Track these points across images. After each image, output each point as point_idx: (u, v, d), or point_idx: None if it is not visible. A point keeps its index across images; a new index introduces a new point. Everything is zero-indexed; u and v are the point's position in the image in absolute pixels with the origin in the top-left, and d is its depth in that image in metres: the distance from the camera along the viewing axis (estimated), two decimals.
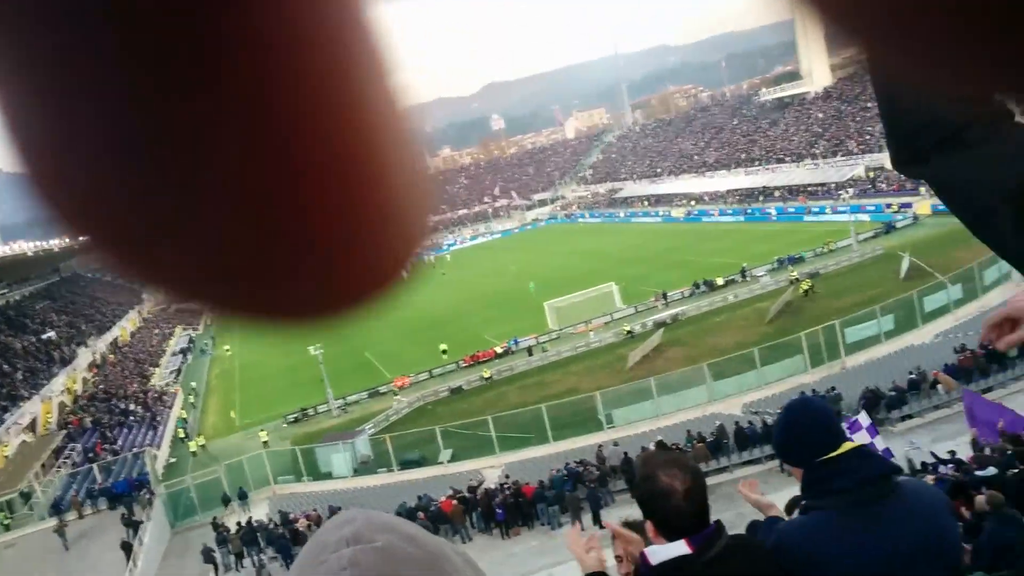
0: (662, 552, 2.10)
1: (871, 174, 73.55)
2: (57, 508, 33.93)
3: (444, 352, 50.55)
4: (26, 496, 36.32)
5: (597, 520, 24.57)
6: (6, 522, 33.84)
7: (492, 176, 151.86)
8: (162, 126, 0.28)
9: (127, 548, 27.22)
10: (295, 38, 0.28)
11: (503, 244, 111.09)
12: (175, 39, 0.26)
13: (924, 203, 61.58)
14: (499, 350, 49.07)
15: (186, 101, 0.27)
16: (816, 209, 72.19)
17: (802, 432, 2.38)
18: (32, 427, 46.21)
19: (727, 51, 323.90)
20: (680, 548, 2.09)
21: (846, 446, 2.30)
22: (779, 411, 2.60)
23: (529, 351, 47.72)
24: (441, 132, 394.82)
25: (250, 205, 0.30)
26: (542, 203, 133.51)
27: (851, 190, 72.04)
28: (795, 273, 49.92)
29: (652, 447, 26.86)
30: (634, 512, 3.65)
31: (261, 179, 0.29)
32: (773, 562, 2.19)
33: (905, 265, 44.05)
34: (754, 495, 2.93)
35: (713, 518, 2.21)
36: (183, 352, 76.86)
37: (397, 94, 0.34)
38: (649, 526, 2.18)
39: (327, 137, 0.30)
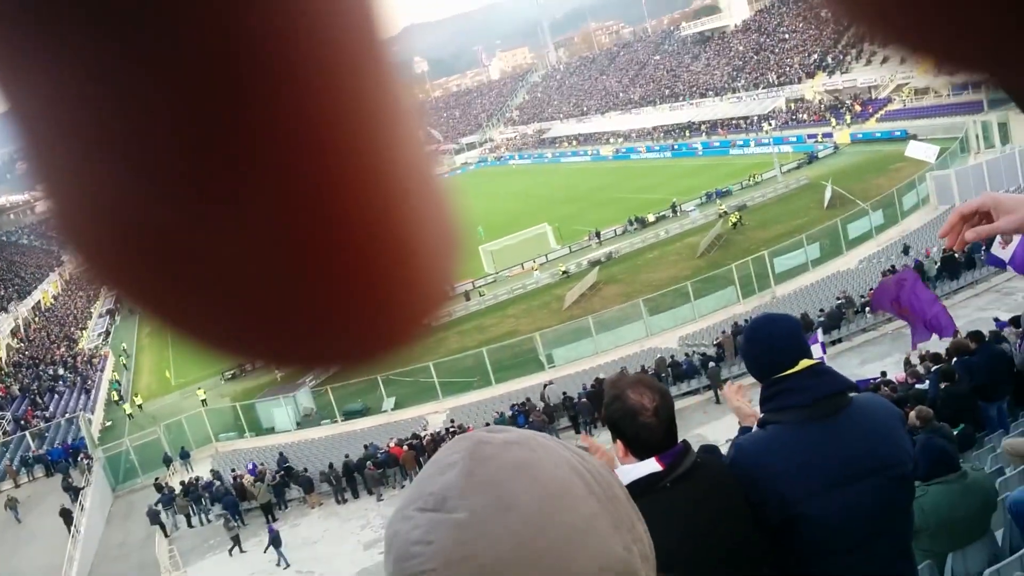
0: (633, 471, 2.12)
1: (791, 105, 74.95)
2: None
3: None
4: None
5: None
6: None
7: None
8: (191, 182, 0.27)
9: (67, 515, 26.71)
10: (334, 96, 0.28)
11: None
12: (210, 90, 0.26)
13: (844, 132, 63.37)
14: None
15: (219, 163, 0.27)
16: (740, 142, 73.42)
17: (760, 349, 2.44)
18: None
19: None
20: (650, 466, 2.11)
21: (802, 363, 2.35)
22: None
23: (466, 296, 47.79)
24: None
25: (283, 258, 0.30)
26: (470, 146, 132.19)
27: (773, 122, 73.40)
28: (723, 207, 50.90)
29: (590, 386, 27.47)
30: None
31: (293, 229, 0.29)
32: (734, 478, 2.27)
33: (828, 194, 45.34)
34: (736, 401, 2.99)
35: None
36: (110, 313, 74.51)
37: (424, 142, 0.34)
38: (619, 446, 2.20)
39: (357, 194, 0.30)
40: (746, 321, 29.56)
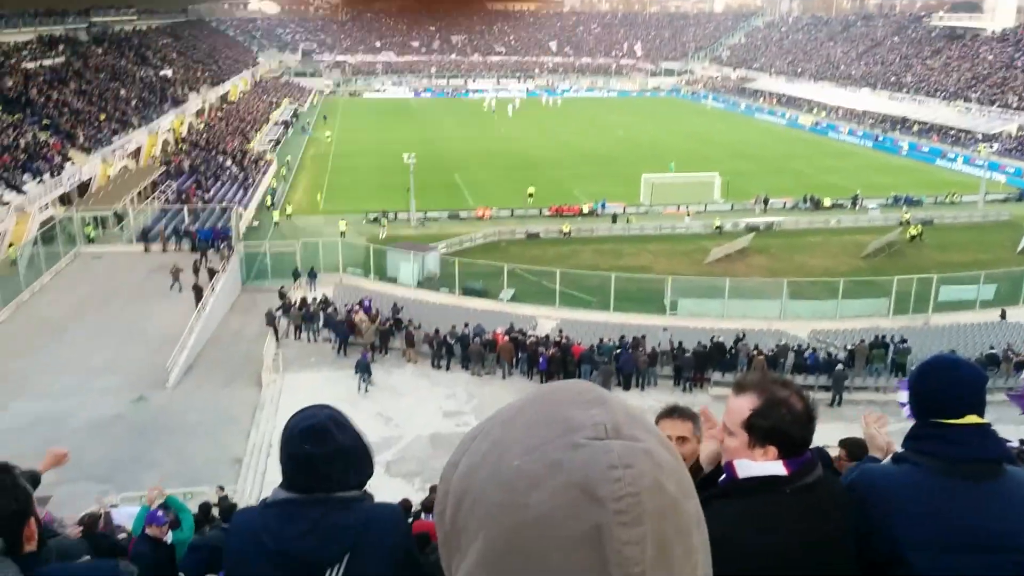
0: (755, 468, 2.05)
1: (1022, 134, 68.17)
2: (145, 236, 36.05)
3: (531, 196, 50.48)
4: (119, 217, 38.58)
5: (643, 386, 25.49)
6: (92, 235, 36.10)
7: (625, 31, 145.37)
8: None
9: (198, 291, 28.98)
10: None
11: (618, 104, 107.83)
12: None
13: None
14: (585, 209, 48.75)
15: None
16: (951, 155, 67.71)
17: (938, 388, 2.26)
18: (136, 155, 48.37)
19: None
20: (775, 468, 2.04)
21: (969, 418, 2.19)
22: (901, 353, 2.50)
23: (614, 218, 47.30)
24: None
25: None
26: (668, 72, 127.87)
27: (995, 145, 67.17)
28: (908, 215, 47.56)
29: (705, 343, 26.90)
30: (672, 401, 3.65)
31: None
32: (850, 503, 2.13)
33: None
34: (874, 429, 2.87)
35: None
36: (285, 125, 78.35)
37: None
38: (743, 437, 2.10)
39: None
40: (897, 338, 28.02)
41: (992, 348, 26.48)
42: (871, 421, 2.91)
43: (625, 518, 0.75)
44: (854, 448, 6.45)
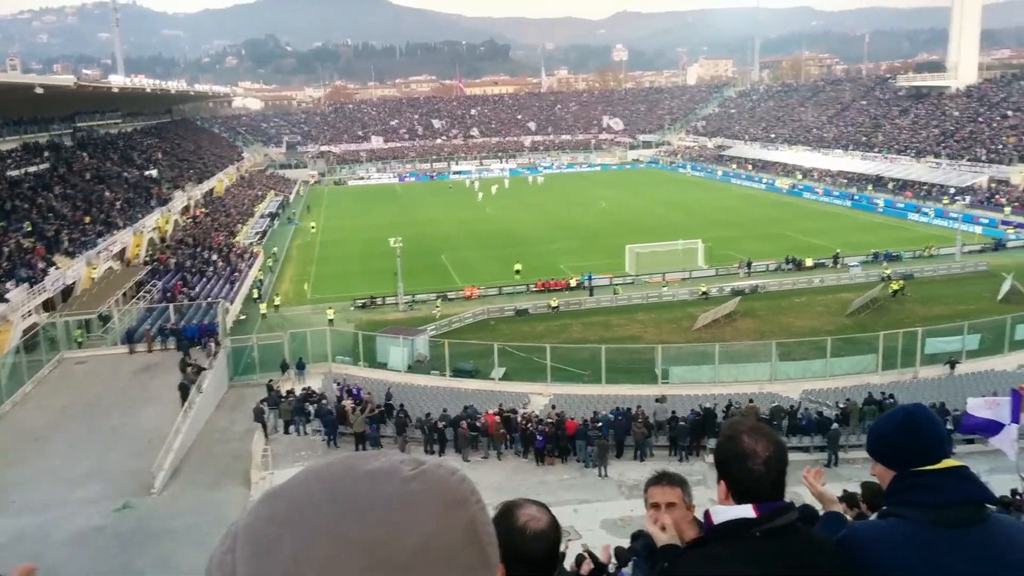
0: (727, 512, 2.13)
1: (993, 185, 69.52)
2: (130, 338, 35.90)
3: (518, 272, 50.86)
4: (105, 319, 38.48)
5: (642, 457, 25.15)
6: (80, 340, 35.95)
7: (603, 107, 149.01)
8: None
9: (184, 390, 28.71)
10: None
11: (599, 178, 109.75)
12: None
13: None
14: (572, 283, 49.06)
15: None
16: (925, 210, 68.85)
17: (912, 437, 2.29)
18: (121, 256, 48.58)
19: (873, 26, 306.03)
20: (745, 511, 2.10)
21: (946, 462, 2.24)
22: (888, 409, 2.54)
23: (590, 291, 47.49)
24: (563, 52, 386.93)
25: None
26: (647, 144, 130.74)
27: (968, 198, 68.40)
28: (889, 271, 48.10)
29: (697, 410, 26.77)
30: (665, 469, 3.65)
31: None
32: (836, 555, 2.14)
33: (1006, 287, 41.95)
34: (819, 485, 2.91)
35: None
36: (271, 216, 79.16)
37: None
38: (722, 487, 2.20)
39: None
40: (882, 394, 28.01)
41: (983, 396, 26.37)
42: (810, 479, 2.94)
43: (482, 504, 0.91)
44: (871, 496, 6.42)
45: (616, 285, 48.79)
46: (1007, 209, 63.23)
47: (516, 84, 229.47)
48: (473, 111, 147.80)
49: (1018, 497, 15.72)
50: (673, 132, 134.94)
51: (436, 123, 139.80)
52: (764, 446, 2.14)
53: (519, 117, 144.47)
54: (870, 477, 2.91)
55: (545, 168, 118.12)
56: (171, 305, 39.63)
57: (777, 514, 2.10)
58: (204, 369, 31.07)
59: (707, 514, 2.20)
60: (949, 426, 23.38)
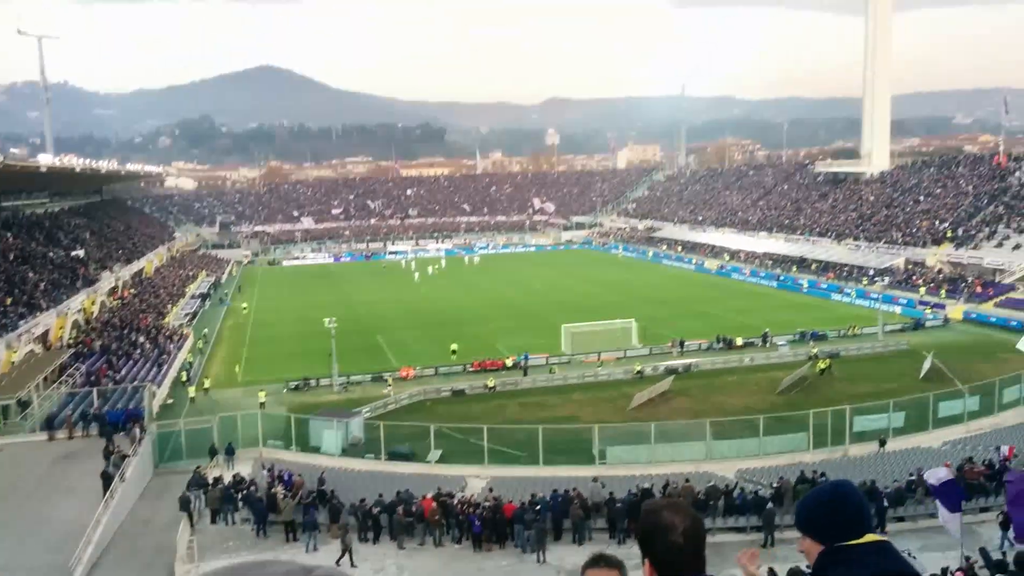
0: None
1: (910, 267, 72.92)
2: (50, 424, 34.40)
3: (454, 352, 50.74)
4: (24, 404, 36.82)
5: (580, 541, 24.74)
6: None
7: (537, 189, 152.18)
8: None
9: (107, 478, 27.50)
10: None
11: (534, 258, 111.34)
12: None
13: (958, 308, 61.05)
14: (508, 363, 49.12)
15: None
16: (848, 290, 71.63)
17: (838, 512, 2.39)
18: (44, 339, 46.83)
19: (791, 115, 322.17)
20: None
21: (868, 537, 2.33)
22: (820, 485, 2.65)
23: (524, 371, 47.57)
24: (496, 135, 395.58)
25: None
26: (579, 226, 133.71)
27: (886, 279, 71.47)
28: (815, 350, 49.58)
29: (635, 492, 26.76)
30: (603, 551, 3.73)
31: None
32: None
33: (927, 365, 43.61)
34: (753, 568, 2.94)
35: None
36: (202, 297, 77.61)
37: None
38: (647, 565, 2.26)
39: None
40: (814, 472, 28.49)
41: (911, 475, 27.11)
42: (744, 561, 2.98)
43: None
44: None
45: (552, 364, 49.04)
46: (922, 290, 66.23)
47: (451, 166, 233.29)
48: (409, 192, 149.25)
49: (950, 575, 16.06)
50: (605, 214, 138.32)
51: (372, 203, 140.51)
52: (681, 519, 2.23)
53: (455, 199, 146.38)
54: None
55: (481, 248, 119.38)
56: (95, 389, 38.25)
57: None
58: (128, 456, 29.87)
59: None
60: (877, 504, 23.96)
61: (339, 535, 26.25)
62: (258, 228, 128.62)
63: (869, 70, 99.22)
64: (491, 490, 28.85)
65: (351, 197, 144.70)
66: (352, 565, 23.45)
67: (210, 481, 29.45)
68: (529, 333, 57.15)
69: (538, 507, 25.79)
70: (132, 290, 70.26)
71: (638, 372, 46.94)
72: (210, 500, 27.99)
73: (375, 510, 26.35)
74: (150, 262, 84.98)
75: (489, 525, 25.34)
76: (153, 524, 27.34)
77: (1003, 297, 60.98)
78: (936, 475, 18.53)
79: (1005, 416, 36.79)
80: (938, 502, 18.68)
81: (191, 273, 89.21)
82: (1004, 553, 17.22)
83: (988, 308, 60.19)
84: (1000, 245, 68.52)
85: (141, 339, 51.70)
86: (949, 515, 17.97)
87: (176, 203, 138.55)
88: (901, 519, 25.32)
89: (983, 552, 16.76)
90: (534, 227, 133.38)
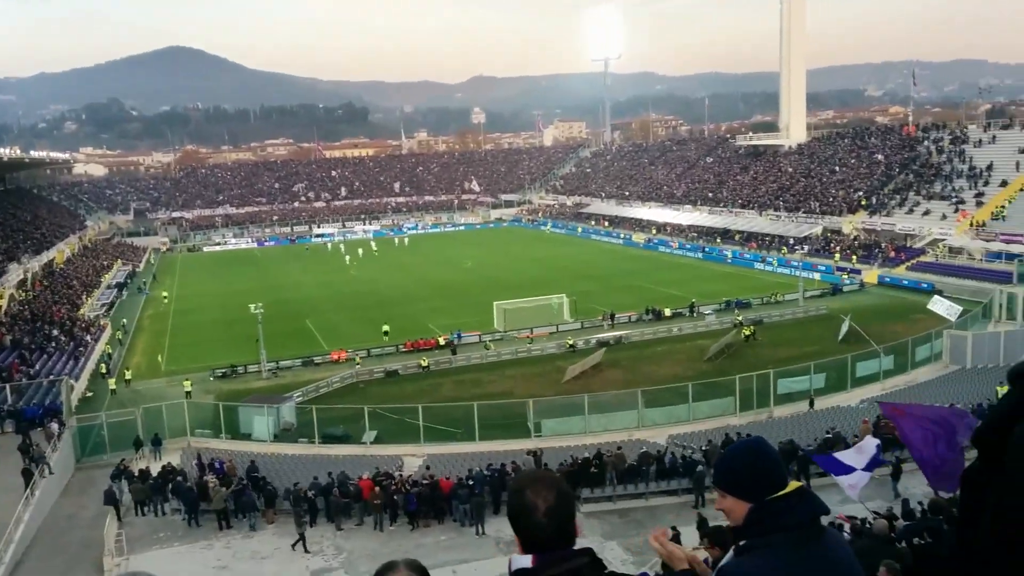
0: (514, 563, 2.22)
1: (827, 235, 75.36)
2: None
3: (386, 334, 50.28)
4: None
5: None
6: None
7: (464, 168, 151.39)
8: None
9: (28, 475, 26.44)
10: None
11: (464, 237, 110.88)
12: None
13: (872, 272, 63.44)
14: (441, 341, 48.96)
15: None
16: (769, 259, 73.65)
17: (766, 466, 2.40)
18: None
19: (711, 90, 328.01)
20: (524, 561, 2.20)
21: (792, 484, 2.36)
22: (736, 443, 2.64)
23: (453, 350, 47.44)
24: (421, 115, 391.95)
25: None
26: (508, 204, 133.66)
27: (806, 247, 73.72)
28: (740, 317, 50.90)
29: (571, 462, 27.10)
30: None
31: None
32: None
33: (844, 328, 45.22)
34: (667, 546, 2.87)
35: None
36: (119, 287, 74.93)
37: None
38: (516, 541, 2.27)
39: None
40: (739, 435, 29.28)
41: (828, 433, 28.09)
42: (655, 544, 2.90)
43: None
44: (717, 536, 6.68)
45: (487, 341, 49.08)
46: (837, 256, 68.59)
47: (376, 147, 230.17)
48: (334, 173, 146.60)
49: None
50: (533, 191, 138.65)
51: (296, 186, 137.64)
52: (545, 497, 2.22)
53: (382, 179, 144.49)
54: None
55: (410, 229, 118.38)
56: (7, 385, 36.61)
57: (557, 561, 2.17)
58: (46, 452, 28.73)
59: (509, 563, 2.26)
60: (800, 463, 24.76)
61: (274, 520, 25.89)
62: (175, 214, 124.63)
63: (785, 45, 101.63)
64: (428, 468, 28.82)
65: (273, 180, 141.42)
66: (306, 551, 23.23)
67: (136, 473, 28.60)
68: (461, 312, 57.04)
69: (472, 482, 25.87)
70: (43, 282, 67.32)
71: (570, 346, 47.39)
72: (136, 491, 27.19)
73: (310, 493, 26.01)
74: (61, 252, 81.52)
75: (426, 502, 25.29)
76: (78, 519, 26.46)
77: (914, 261, 63.62)
78: (865, 458, 18.53)
79: (918, 373, 38.54)
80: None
81: (106, 263, 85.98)
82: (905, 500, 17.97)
83: (901, 272, 62.69)
84: (911, 212, 71.37)
85: (55, 332, 49.64)
86: (862, 475, 18.33)
87: (86, 190, 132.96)
88: (823, 474, 26.18)
89: (905, 503, 17.46)
90: (463, 206, 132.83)
